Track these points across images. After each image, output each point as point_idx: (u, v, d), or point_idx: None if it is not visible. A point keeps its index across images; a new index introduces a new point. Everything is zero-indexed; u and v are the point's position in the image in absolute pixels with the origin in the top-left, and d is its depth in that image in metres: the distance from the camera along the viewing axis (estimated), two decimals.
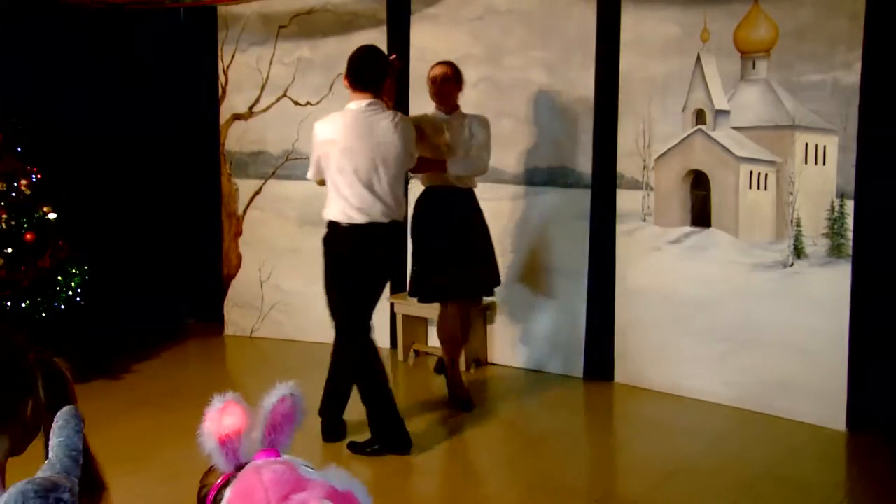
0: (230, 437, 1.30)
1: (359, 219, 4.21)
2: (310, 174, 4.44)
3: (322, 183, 4.37)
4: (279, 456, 1.24)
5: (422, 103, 5.65)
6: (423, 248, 4.86)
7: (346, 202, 4.22)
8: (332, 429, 4.46)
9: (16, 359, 1.52)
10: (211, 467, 1.35)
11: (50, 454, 1.29)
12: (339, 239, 4.28)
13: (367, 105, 4.23)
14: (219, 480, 1.32)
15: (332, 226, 4.29)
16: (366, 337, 4.36)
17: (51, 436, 1.32)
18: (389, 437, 4.30)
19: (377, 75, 4.25)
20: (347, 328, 4.37)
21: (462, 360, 5.20)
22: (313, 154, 4.35)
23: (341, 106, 6.09)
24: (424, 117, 4.83)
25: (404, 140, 4.27)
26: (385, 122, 4.23)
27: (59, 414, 1.34)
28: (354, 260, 4.25)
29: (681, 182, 4.96)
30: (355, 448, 4.33)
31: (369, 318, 4.37)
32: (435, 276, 4.81)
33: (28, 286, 5.04)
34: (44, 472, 1.24)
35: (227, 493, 1.20)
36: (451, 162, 4.70)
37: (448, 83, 4.79)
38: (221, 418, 1.31)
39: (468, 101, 5.46)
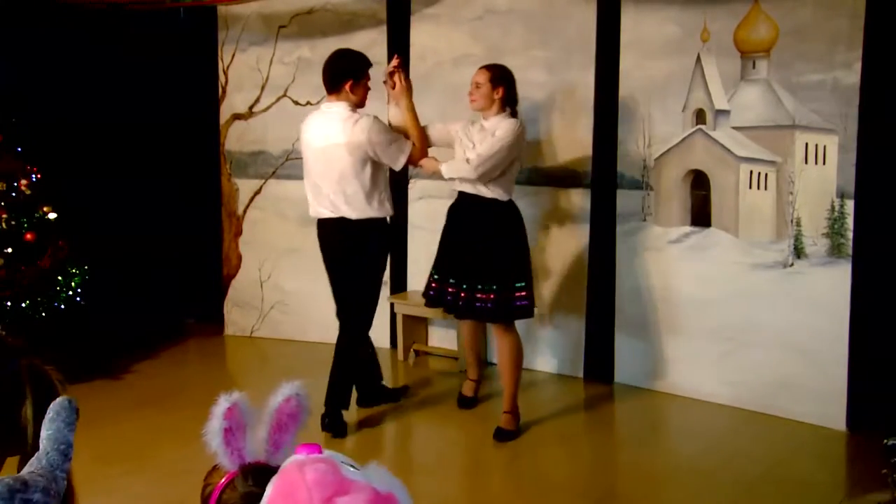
0: (236, 434, 1.30)
1: (323, 214, 4.48)
2: None
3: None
4: (320, 452, 1.22)
5: (422, 103, 5.65)
6: (438, 252, 4.72)
7: (309, 197, 4.53)
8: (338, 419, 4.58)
9: (9, 366, 1.50)
10: (215, 466, 1.35)
11: (39, 447, 1.28)
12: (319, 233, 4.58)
13: (327, 107, 4.47)
14: (223, 479, 1.33)
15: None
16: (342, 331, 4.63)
17: (42, 428, 1.30)
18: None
19: (335, 78, 4.42)
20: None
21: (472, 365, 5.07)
22: None
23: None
24: (431, 125, 4.72)
25: (356, 141, 4.31)
26: (338, 123, 4.36)
27: (51, 405, 1.32)
28: (325, 254, 4.59)
29: (681, 182, 4.96)
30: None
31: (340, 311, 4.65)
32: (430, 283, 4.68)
33: (28, 286, 5.04)
34: (29, 466, 1.23)
35: (269, 489, 1.19)
36: (445, 163, 4.52)
37: (475, 86, 4.51)
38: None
39: (468, 100, 5.47)
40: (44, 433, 1.29)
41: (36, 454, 1.27)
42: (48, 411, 1.31)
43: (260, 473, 1.28)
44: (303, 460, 1.19)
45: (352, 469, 1.18)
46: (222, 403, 1.31)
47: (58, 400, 1.34)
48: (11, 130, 5.21)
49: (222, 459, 1.32)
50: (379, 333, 5.96)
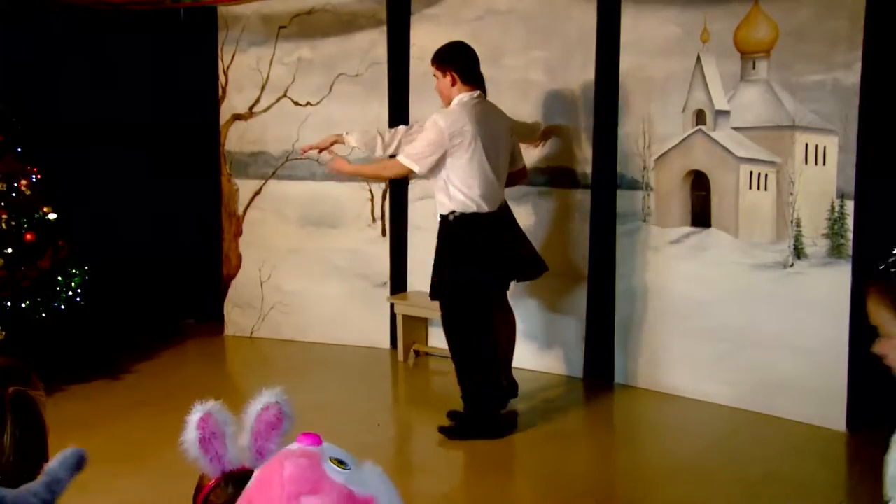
0: (213, 442, 1.30)
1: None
2: None
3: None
4: (319, 443, 1.20)
5: (421, 104, 5.65)
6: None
7: None
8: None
9: None
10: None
11: (43, 472, 1.30)
12: None
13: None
14: (211, 481, 1.33)
15: None
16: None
17: (52, 457, 1.32)
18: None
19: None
20: None
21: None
22: None
23: (342, 106, 6.12)
24: None
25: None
26: None
27: (70, 449, 1.35)
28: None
29: (681, 182, 4.96)
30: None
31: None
32: None
33: (28, 286, 5.04)
34: (21, 488, 1.25)
35: (255, 474, 1.20)
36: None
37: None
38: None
39: None
40: (49, 464, 1.32)
41: (40, 476, 1.30)
42: (57, 455, 1.34)
43: (243, 480, 1.28)
44: (290, 452, 1.18)
45: (341, 468, 1.17)
46: (196, 412, 1.31)
47: (70, 448, 1.36)
48: (11, 130, 5.21)
49: (203, 467, 1.32)
50: (379, 334, 5.98)
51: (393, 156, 4.64)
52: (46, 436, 1.53)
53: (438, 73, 4.42)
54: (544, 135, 5.25)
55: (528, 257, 4.65)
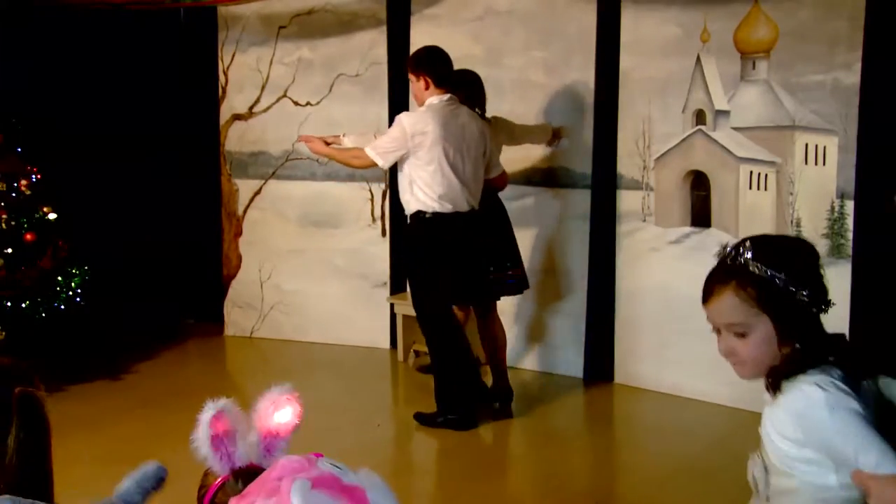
0: (224, 440, 1.31)
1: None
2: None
3: None
4: (319, 456, 1.22)
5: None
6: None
7: None
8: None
9: (3, 395, 1.48)
10: (208, 469, 1.35)
11: (115, 492, 1.30)
12: None
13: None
14: (217, 481, 1.33)
15: None
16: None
17: (129, 473, 1.33)
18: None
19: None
20: None
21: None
22: None
23: (341, 107, 6.11)
24: None
25: None
26: None
27: (143, 464, 1.35)
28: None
29: (681, 182, 4.96)
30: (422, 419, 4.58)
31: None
32: None
33: (28, 286, 5.04)
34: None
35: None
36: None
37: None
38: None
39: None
40: (120, 483, 1.32)
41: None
42: (135, 469, 1.34)
43: (252, 476, 1.28)
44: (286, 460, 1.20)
45: (335, 468, 1.17)
46: (208, 411, 1.31)
47: (151, 463, 1.37)
48: (11, 130, 5.21)
49: (213, 465, 1.32)
50: (379, 334, 5.98)
51: None
52: (50, 437, 1.52)
53: (413, 77, 4.53)
54: (556, 135, 5.28)
55: (478, 282, 4.69)
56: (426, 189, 4.41)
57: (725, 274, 1.77)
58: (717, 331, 1.82)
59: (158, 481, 1.36)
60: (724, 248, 1.79)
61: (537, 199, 5.34)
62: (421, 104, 4.52)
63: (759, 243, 1.74)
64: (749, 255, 1.72)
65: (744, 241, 1.75)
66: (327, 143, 4.79)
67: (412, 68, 4.51)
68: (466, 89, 4.67)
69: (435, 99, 4.45)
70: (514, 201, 5.42)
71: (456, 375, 4.58)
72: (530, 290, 5.24)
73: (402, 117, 4.45)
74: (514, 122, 5.16)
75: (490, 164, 4.68)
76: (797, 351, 1.71)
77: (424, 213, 4.43)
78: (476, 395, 4.64)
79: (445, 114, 4.41)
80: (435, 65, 4.47)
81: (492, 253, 4.72)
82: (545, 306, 5.39)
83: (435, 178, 4.38)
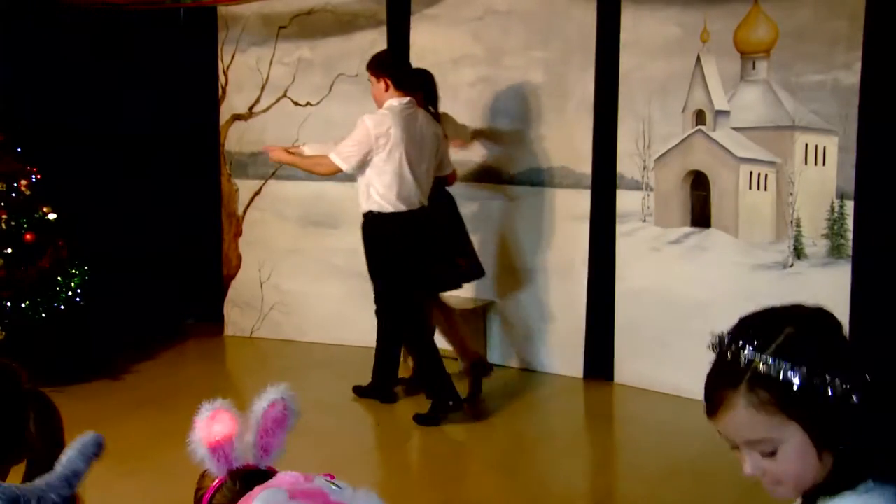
0: (221, 443, 1.31)
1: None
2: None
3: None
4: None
5: None
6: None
7: None
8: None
9: (18, 393, 1.53)
10: (205, 471, 1.35)
11: (57, 464, 1.30)
12: None
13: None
14: (215, 483, 1.33)
15: None
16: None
17: (66, 447, 1.33)
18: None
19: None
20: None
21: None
22: None
23: (341, 106, 6.12)
24: None
25: None
26: None
27: (83, 434, 1.35)
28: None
29: (681, 182, 4.96)
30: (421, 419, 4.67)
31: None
32: None
33: (28, 286, 5.04)
34: (39, 479, 1.25)
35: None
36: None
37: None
38: (211, 426, 1.32)
39: (468, 100, 5.47)
40: (62, 456, 1.32)
41: (54, 468, 1.30)
42: (79, 437, 1.34)
43: (249, 477, 1.29)
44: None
45: (332, 485, 1.18)
46: (204, 412, 1.32)
47: (88, 433, 1.37)
48: (11, 130, 5.21)
49: (210, 467, 1.32)
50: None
51: None
52: (63, 429, 1.56)
53: (373, 79, 4.67)
54: (473, 136, 5.44)
55: (439, 271, 4.86)
56: (384, 189, 4.55)
57: (729, 377, 1.31)
58: (736, 447, 1.34)
59: (98, 447, 1.37)
60: (719, 339, 1.38)
61: (537, 199, 5.34)
62: (380, 105, 4.66)
63: (761, 328, 1.34)
64: (751, 348, 1.30)
65: (740, 326, 1.38)
66: (290, 153, 4.95)
67: (374, 70, 4.66)
68: (424, 90, 4.83)
69: (395, 101, 4.59)
70: (515, 201, 5.43)
71: (436, 361, 4.71)
72: (530, 290, 5.24)
73: (365, 119, 4.58)
74: (457, 120, 5.32)
75: (442, 163, 4.86)
76: (842, 456, 1.26)
77: (381, 212, 4.58)
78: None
79: (406, 116, 4.57)
80: (397, 68, 4.67)
81: (446, 246, 4.89)
82: (545, 306, 5.39)
83: (394, 178, 4.55)
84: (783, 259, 4.60)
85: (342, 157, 4.59)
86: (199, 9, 6.11)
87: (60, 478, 1.28)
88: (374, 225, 4.62)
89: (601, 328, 5.24)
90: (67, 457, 1.32)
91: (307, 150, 4.99)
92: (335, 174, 4.78)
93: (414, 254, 4.65)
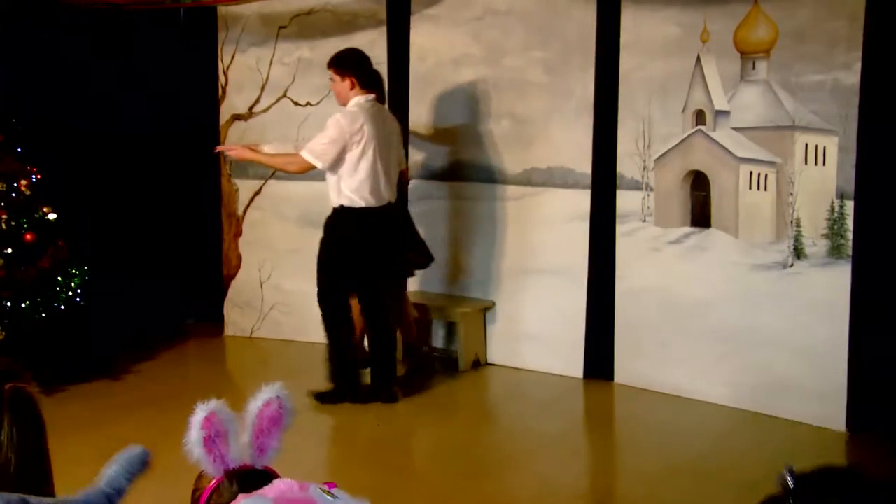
0: (216, 442, 1.31)
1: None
2: None
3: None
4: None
5: (421, 105, 5.65)
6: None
7: None
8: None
9: None
10: (202, 471, 1.36)
11: (99, 476, 1.29)
12: None
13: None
14: (211, 483, 1.33)
15: None
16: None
17: (109, 461, 1.32)
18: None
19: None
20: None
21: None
22: None
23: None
24: None
25: None
26: None
27: (127, 448, 1.35)
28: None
29: (681, 183, 4.96)
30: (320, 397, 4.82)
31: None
32: None
33: (28, 286, 5.03)
34: (81, 492, 1.24)
35: None
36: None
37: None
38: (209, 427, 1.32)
39: (467, 100, 5.48)
40: (105, 469, 1.31)
41: (95, 482, 1.29)
42: (119, 453, 1.33)
43: (245, 477, 1.29)
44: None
45: (328, 495, 1.17)
46: (199, 413, 1.31)
47: (135, 447, 1.36)
48: (11, 130, 5.21)
49: (206, 467, 1.32)
50: None
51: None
52: (45, 434, 1.52)
53: (336, 77, 4.79)
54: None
55: (404, 259, 5.05)
56: (357, 184, 4.67)
57: None
58: None
59: (144, 464, 1.36)
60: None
61: (537, 199, 5.34)
62: (343, 103, 4.79)
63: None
64: None
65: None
66: (252, 150, 5.03)
67: (338, 68, 4.77)
68: (379, 88, 4.94)
69: (361, 99, 4.74)
70: (515, 201, 5.43)
71: (344, 353, 4.93)
72: (530, 291, 5.24)
73: (339, 117, 4.69)
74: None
75: (400, 159, 5.05)
76: None
77: (352, 207, 4.70)
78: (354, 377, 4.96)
79: (373, 113, 4.72)
80: (362, 67, 4.79)
81: (404, 238, 5.04)
82: (545, 306, 5.38)
83: (368, 174, 4.67)
84: (783, 259, 4.60)
85: (316, 155, 4.68)
86: (199, 9, 6.11)
87: (100, 494, 1.26)
88: (344, 219, 4.74)
89: (601, 328, 5.24)
90: (111, 472, 1.31)
91: (268, 148, 5.07)
92: (307, 172, 4.86)
93: (384, 247, 4.77)
